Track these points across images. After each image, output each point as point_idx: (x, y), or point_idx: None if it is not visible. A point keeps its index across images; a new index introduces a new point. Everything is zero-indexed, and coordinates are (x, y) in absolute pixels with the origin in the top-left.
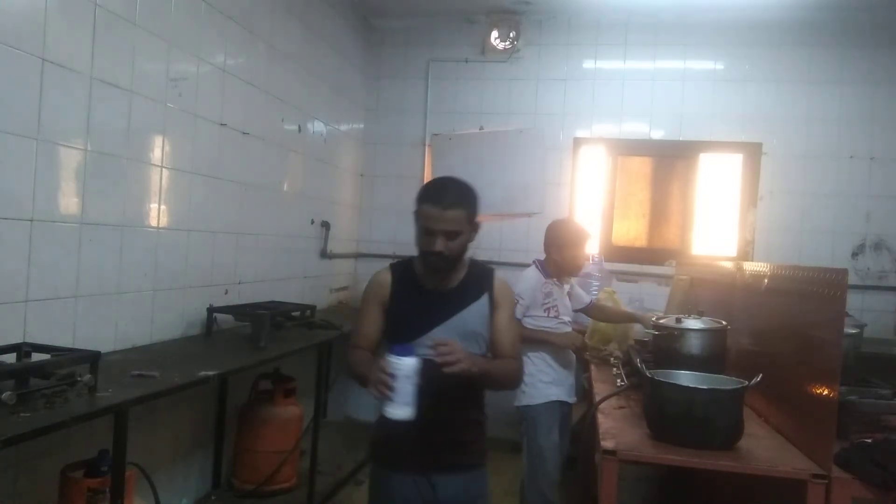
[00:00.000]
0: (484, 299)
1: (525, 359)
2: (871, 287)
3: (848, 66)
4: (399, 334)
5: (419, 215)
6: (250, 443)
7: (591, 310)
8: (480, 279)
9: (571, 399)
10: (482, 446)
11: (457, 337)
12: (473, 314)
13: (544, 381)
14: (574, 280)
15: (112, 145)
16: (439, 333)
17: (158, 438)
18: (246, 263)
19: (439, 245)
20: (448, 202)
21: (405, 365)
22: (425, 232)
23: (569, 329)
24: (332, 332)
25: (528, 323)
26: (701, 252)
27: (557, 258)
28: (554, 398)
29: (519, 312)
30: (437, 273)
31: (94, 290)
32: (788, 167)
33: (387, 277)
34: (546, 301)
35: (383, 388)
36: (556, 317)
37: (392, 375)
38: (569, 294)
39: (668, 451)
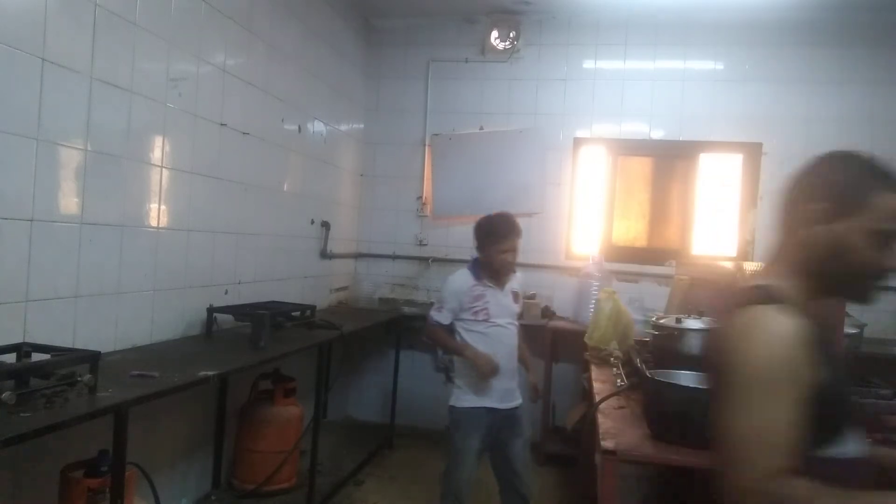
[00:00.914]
0: None
1: (458, 361)
2: None
3: (848, 66)
4: (831, 430)
5: (875, 210)
6: (250, 443)
7: None
8: None
9: (505, 405)
10: None
11: None
12: None
13: (468, 386)
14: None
15: (112, 145)
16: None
17: (158, 438)
18: (246, 263)
19: None
20: None
21: None
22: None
23: (509, 330)
24: (332, 332)
25: (459, 326)
26: (701, 252)
27: (480, 256)
28: (478, 405)
29: (444, 317)
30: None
31: (94, 290)
32: (788, 167)
33: (791, 329)
34: (475, 304)
35: None
36: (485, 320)
37: None
38: (513, 294)
39: (668, 451)
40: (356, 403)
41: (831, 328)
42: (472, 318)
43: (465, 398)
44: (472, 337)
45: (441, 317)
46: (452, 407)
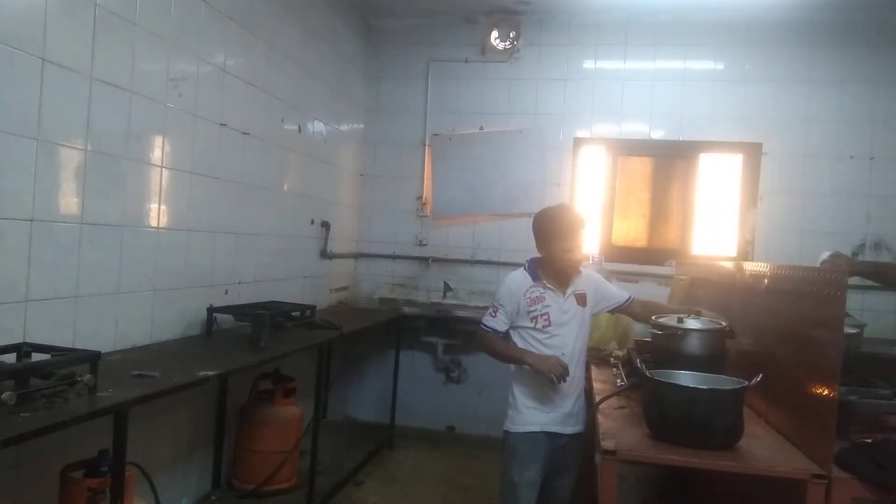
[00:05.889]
0: None
1: (516, 376)
2: (871, 287)
3: (848, 66)
4: None
5: None
6: (250, 443)
7: (634, 307)
8: None
9: (568, 429)
10: None
11: None
12: None
13: (528, 406)
14: (594, 275)
15: (112, 145)
16: None
17: (158, 438)
18: (246, 263)
19: None
20: None
21: None
22: None
23: (574, 342)
24: (332, 332)
25: (514, 335)
26: (701, 252)
27: (544, 254)
28: (537, 428)
29: (500, 323)
30: None
31: (94, 290)
32: (788, 167)
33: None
34: (533, 308)
35: None
36: (545, 327)
37: None
38: (577, 297)
39: (668, 451)
40: (356, 403)
41: None
42: (531, 324)
43: (521, 420)
44: (530, 347)
45: (496, 322)
46: (507, 432)
